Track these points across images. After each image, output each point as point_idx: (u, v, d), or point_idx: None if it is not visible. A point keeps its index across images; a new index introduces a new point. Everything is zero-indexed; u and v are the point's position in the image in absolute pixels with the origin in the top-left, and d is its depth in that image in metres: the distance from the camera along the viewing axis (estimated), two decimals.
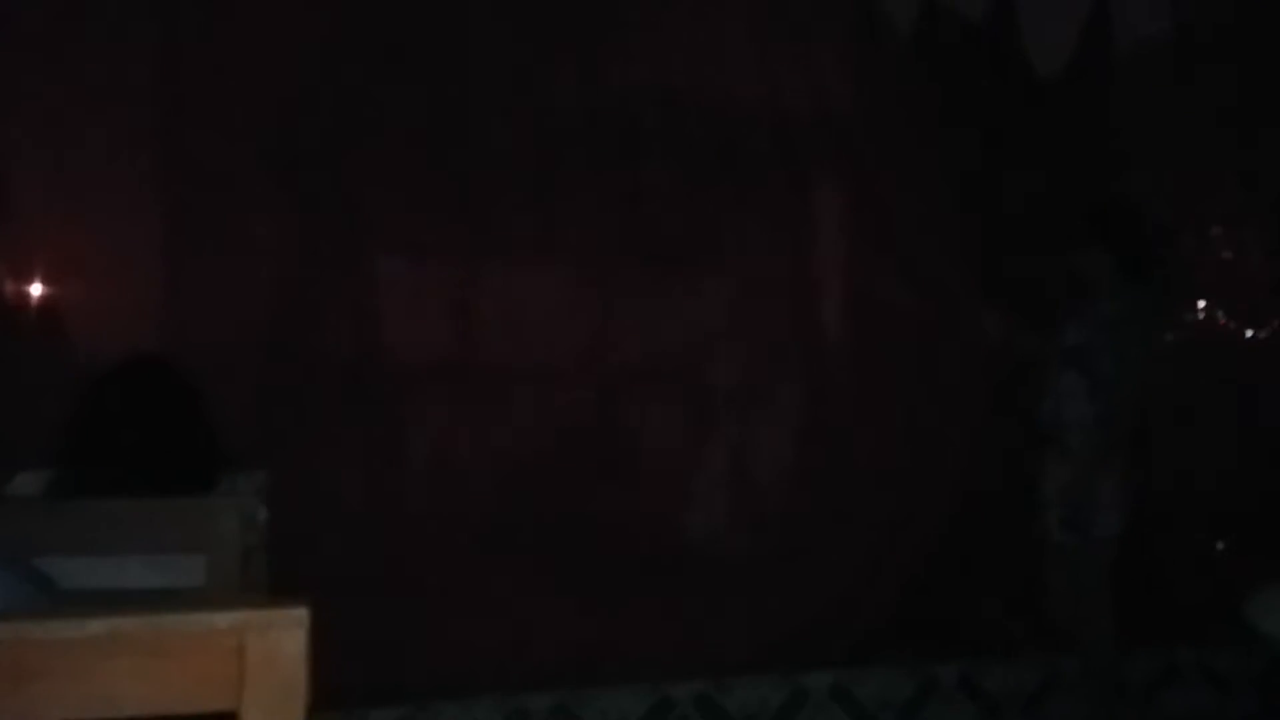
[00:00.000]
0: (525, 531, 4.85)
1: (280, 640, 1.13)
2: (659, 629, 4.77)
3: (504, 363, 4.96)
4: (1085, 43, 5.38)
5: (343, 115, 4.74)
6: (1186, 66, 5.71)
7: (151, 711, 1.14)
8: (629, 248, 5.15)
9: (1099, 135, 5.83)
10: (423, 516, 4.77)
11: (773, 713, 4.76)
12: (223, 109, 4.55)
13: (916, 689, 4.94)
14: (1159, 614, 5.36)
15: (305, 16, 4.72)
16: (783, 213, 5.35)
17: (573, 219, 5.03)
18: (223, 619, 1.13)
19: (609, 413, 5.13)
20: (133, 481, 2.53)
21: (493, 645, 4.59)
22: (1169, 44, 5.58)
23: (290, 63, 4.67)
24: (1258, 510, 5.59)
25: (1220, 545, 5.84)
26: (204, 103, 4.55)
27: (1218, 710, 5.17)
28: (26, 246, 4.38)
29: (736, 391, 5.33)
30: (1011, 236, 5.58)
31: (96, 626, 1.10)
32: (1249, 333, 5.74)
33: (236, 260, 4.59)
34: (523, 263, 5.04)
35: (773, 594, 4.98)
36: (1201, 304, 5.79)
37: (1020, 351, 4.97)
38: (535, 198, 4.94)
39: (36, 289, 4.43)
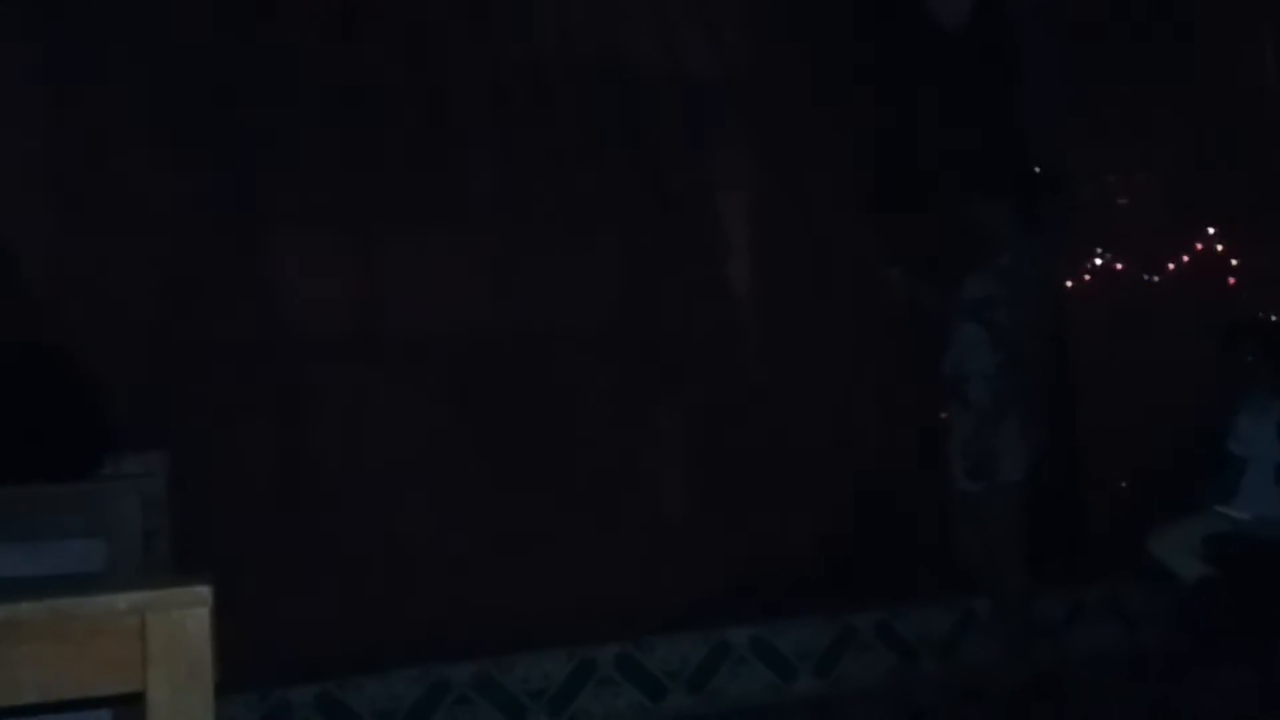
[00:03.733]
0: (441, 501, 4.81)
1: (183, 619, 1.10)
2: (578, 592, 4.77)
3: (411, 328, 4.90)
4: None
5: (235, 78, 4.63)
6: (1083, 22, 5.79)
7: (55, 697, 1.11)
8: (533, 210, 5.11)
9: (999, 88, 5.89)
10: (334, 491, 4.72)
11: (694, 668, 4.79)
12: (110, 75, 4.41)
13: (834, 638, 5.00)
14: (1069, 555, 5.49)
15: None
16: (686, 172, 5.34)
17: (477, 182, 4.97)
18: (123, 600, 1.10)
19: (523, 377, 5.10)
20: (12, 467, 2.46)
21: (411, 617, 4.56)
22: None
23: (178, 25, 4.54)
24: (1162, 451, 5.73)
25: (1126, 485, 5.98)
26: (89, 69, 4.40)
27: (1125, 644, 5.31)
28: None
29: (645, 352, 5.33)
30: (912, 190, 5.63)
31: None
32: (1146, 276, 5.86)
33: (128, 235, 4.46)
34: (426, 227, 4.97)
35: (690, 551, 5.01)
36: (1099, 250, 5.90)
37: (922, 305, 5.01)
38: (438, 161, 4.88)
39: None
